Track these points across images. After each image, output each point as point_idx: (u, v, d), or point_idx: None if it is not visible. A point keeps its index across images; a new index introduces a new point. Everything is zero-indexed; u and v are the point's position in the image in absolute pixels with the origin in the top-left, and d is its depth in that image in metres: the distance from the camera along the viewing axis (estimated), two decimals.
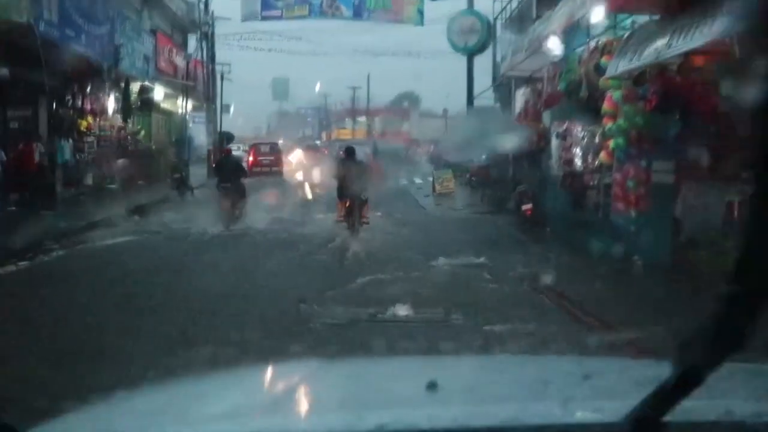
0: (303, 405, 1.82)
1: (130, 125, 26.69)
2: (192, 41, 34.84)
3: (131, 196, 21.23)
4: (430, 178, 28.52)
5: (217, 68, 38.32)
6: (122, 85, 22.35)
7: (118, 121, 24.97)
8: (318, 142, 68.85)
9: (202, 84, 33.36)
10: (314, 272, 10.90)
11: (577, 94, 13.67)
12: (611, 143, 11.05)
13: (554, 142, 15.68)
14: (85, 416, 1.82)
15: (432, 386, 1.55)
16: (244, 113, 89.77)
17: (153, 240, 14.34)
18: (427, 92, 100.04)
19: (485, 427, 1.34)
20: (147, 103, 24.34)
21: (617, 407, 1.33)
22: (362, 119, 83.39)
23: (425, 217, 19.04)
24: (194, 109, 35.63)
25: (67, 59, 18.25)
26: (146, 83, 24.70)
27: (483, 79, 35.35)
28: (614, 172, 11.60)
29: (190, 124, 33.15)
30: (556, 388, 1.73)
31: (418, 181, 34.05)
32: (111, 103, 23.16)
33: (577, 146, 15.38)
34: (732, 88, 8.77)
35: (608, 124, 11.14)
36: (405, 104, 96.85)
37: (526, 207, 15.59)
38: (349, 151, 15.94)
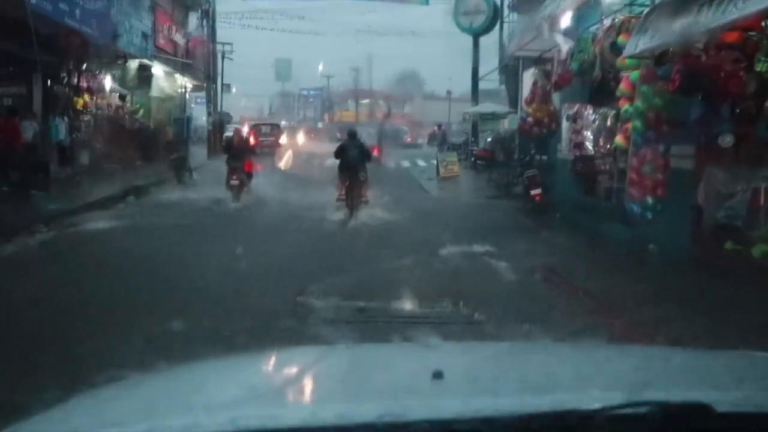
0: (306, 394, 1.78)
1: (128, 104, 26.21)
2: (193, 19, 34.30)
3: (128, 177, 20.78)
4: (434, 161, 27.95)
5: (219, 48, 37.63)
6: (120, 63, 21.72)
7: (116, 99, 24.49)
8: (320, 124, 68.25)
9: (203, 63, 32.68)
10: (313, 256, 10.39)
11: (590, 74, 13.08)
12: (629, 126, 10.48)
13: (564, 125, 15.11)
14: (80, 406, 1.79)
15: (438, 375, 1.54)
16: (247, 94, 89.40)
17: (142, 224, 13.76)
18: (430, 74, 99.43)
19: (492, 417, 1.33)
20: (145, 82, 23.69)
21: (628, 394, 1.36)
22: (365, 101, 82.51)
23: (429, 202, 18.47)
24: (195, 88, 35.02)
25: (61, 35, 17.71)
26: (145, 61, 24.07)
27: (488, 61, 34.84)
28: (630, 156, 11.02)
29: (192, 104, 32.64)
30: (565, 376, 1.74)
31: (421, 163, 33.51)
32: (108, 82, 22.57)
33: (588, 129, 14.82)
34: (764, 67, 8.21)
35: (625, 105, 10.55)
36: (408, 86, 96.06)
37: (536, 192, 15.04)
38: (351, 134, 16.54)
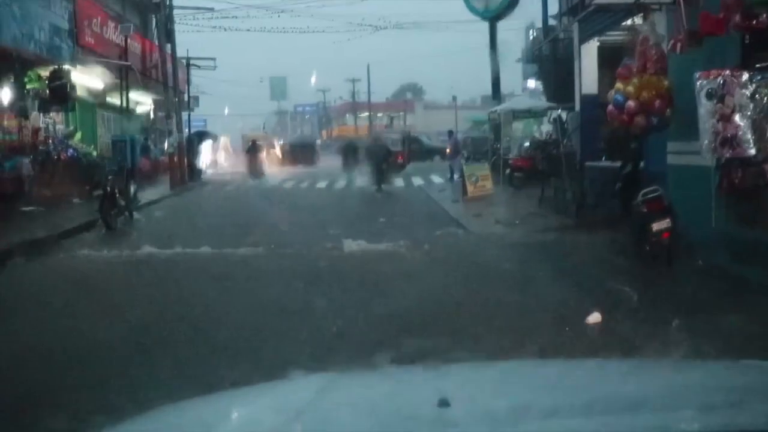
0: (309, 425, 1.66)
1: (61, 127, 20.23)
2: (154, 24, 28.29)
3: (37, 223, 14.86)
4: (457, 176, 21.69)
5: (202, 63, 31.47)
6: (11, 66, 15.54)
7: (39, 120, 18.51)
8: (318, 141, 62.69)
9: (166, 73, 26.36)
10: None
11: None
12: None
13: (703, 108, 8.77)
14: None
15: (444, 404, 1.49)
16: (243, 114, 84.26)
17: None
18: (429, 83, 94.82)
19: None
20: (61, 94, 17.41)
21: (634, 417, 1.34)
22: (364, 114, 76.71)
23: (470, 246, 11.70)
24: (157, 103, 28.85)
25: None
26: (64, 66, 17.84)
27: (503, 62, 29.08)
28: None
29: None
30: (583, 397, 1.61)
31: (436, 180, 27.30)
32: (6, 94, 16.40)
33: (743, 113, 8.57)
34: None
35: None
36: (408, 96, 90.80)
37: (662, 226, 8.66)
38: (376, 138, 25.32)
